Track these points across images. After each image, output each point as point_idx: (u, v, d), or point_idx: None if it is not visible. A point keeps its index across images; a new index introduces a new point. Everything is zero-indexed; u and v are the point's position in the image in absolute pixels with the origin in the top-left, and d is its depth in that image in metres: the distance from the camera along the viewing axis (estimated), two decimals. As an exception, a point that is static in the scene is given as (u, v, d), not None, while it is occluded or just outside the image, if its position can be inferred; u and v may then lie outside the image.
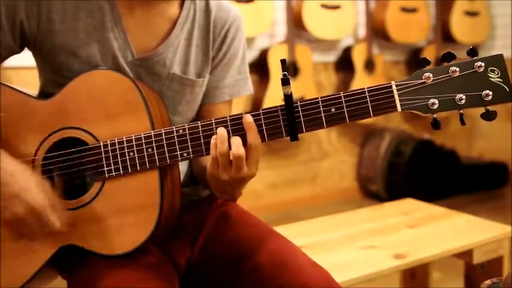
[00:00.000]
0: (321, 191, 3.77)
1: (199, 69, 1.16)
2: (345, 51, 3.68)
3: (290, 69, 3.32)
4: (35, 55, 1.11)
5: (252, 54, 3.35)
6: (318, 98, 0.96)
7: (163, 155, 1.00)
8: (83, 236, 1.02)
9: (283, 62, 0.95)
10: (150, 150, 1.00)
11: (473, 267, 1.78)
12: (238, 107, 2.93)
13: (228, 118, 0.98)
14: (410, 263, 1.55)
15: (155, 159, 1.00)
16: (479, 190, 3.80)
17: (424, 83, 0.94)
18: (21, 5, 1.03)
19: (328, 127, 0.97)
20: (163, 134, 1.00)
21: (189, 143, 1.00)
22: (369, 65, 3.61)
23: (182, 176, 1.15)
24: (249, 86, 1.23)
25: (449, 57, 0.93)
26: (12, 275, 1.03)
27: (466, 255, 1.69)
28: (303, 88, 3.38)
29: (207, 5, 1.16)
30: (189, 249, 1.17)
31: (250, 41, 3.30)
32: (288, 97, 0.96)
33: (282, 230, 1.18)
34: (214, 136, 0.97)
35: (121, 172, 1.01)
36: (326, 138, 3.78)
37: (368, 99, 0.95)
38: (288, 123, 0.97)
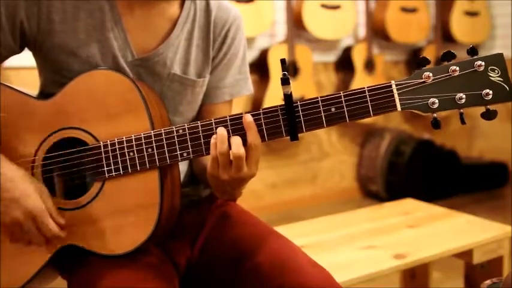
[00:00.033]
0: (321, 191, 3.77)
1: (200, 69, 1.16)
2: (345, 51, 3.68)
3: (290, 69, 3.32)
4: (35, 55, 1.11)
5: (252, 54, 3.35)
6: (317, 98, 0.96)
7: (163, 155, 1.00)
8: (83, 236, 1.02)
9: (282, 61, 0.95)
10: (150, 150, 1.00)
11: (473, 267, 1.78)
12: (238, 106, 2.93)
13: (228, 118, 0.98)
14: (410, 263, 1.55)
15: (155, 159, 1.00)
16: (479, 190, 3.80)
17: (424, 82, 0.94)
18: (21, 5, 1.03)
19: (328, 127, 0.97)
20: (163, 134, 1.00)
21: (189, 142, 1.00)
22: (369, 65, 3.61)
23: (182, 176, 1.15)
24: (249, 86, 1.23)
25: (449, 56, 0.93)
26: (13, 275, 1.03)
27: (466, 255, 1.69)
28: (303, 88, 3.38)
29: (207, 5, 1.16)
30: (189, 249, 1.17)
31: (250, 41, 3.30)
32: (287, 97, 0.96)
33: (282, 230, 1.18)
34: (214, 136, 0.97)
35: (121, 172, 1.01)
36: (326, 138, 3.78)
37: (368, 98, 0.95)
38: (288, 122, 0.97)
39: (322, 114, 0.96)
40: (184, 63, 1.14)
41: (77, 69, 1.05)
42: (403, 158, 3.60)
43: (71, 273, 1.06)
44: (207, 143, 0.98)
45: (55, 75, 1.09)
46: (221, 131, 0.96)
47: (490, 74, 0.92)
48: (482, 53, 0.93)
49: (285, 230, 1.21)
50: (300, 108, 0.97)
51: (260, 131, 0.97)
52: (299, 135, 0.97)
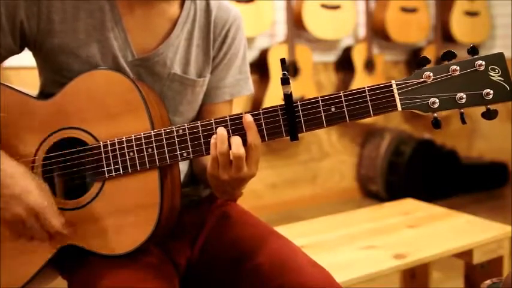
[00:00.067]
0: (321, 191, 3.77)
1: (200, 69, 1.16)
2: (345, 51, 3.68)
3: (290, 69, 3.32)
4: (35, 55, 1.11)
5: (252, 54, 3.35)
6: (318, 98, 0.96)
7: (163, 155, 1.00)
8: (83, 236, 1.02)
9: (282, 61, 0.95)
10: (150, 150, 1.00)
11: (473, 267, 1.78)
12: (238, 106, 2.93)
13: (228, 118, 0.98)
14: (410, 263, 1.55)
15: (155, 159, 1.00)
16: (479, 190, 3.80)
17: (424, 82, 0.94)
18: (21, 5, 1.03)
19: (328, 127, 0.97)
20: (163, 134, 1.00)
21: (189, 142, 1.00)
22: (369, 65, 3.61)
23: (182, 176, 1.15)
24: (249, 86, 1.23)
25: (449, 56, 0.93)
26: (13, 275, 1.03)
27: (466, 255, 1.69)
28: (303, 88, 3.38)
29: (208, 5, 1.16)
30: (189, 249, 1.17)
31: (250, 41, 3.30)
32: (287, 97, 0.96)
33: (282, 230, 1.18)
34: (214, 136, 0.97)
35: (121, 172, 1.01)
36: (326, 138, 3.78)
37: (368, 98, 0.95)
38: (288, 122, 0.96)
39: (322, 114, 0.96)
40: (185, 63, 1.14)
41: (77, 69, 1.05)
42: (403, 158, 3.60)
43: (71, 273, 1.06)
44: (207, 143, 0.98)
45: (55, 75, 1.09)
46: (221, 131, 0.96)
47: (491, 74, 0.92)
48: (482, 53, 0.92)
49: (285, 230, 1.21)
50: (300, 108, 0.96)
51: (260, 131, 0.97)
52: (299, 135, 0.97)
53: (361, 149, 3.88)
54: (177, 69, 1.12)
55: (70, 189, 1.05)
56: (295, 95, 2.81)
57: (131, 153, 1.01)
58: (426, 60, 0.94)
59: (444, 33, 3.90)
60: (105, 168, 1.01)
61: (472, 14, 3.97)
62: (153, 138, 1.00)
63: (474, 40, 3.96)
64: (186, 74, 1.14)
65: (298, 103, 0.97)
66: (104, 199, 1.02)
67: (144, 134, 1.01)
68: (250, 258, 1.07)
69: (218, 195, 1.07)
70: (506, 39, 4.09)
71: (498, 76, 0.92)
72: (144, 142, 1.01)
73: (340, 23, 3.50)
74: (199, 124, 0.99)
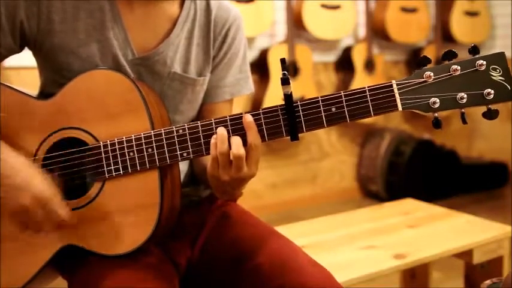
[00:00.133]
0: (321, 191, 3.77)
1: (200, 68, 1.16)
2: (345, 51, 3.68)
3: (290, 69, 3.32)
4: (35, 55, 1.11)
5: (252, 54, 3.35)
6: (318, 98, 0.96)
7: (163, 155, 1.00)
8: (83, 236, 1.02)
9: (282, 61, 0.95)
10: (150, 150, 1.00)
11: (473, 267, 1.78)
12: (238, 106, 2.93)
13: (228, 118, 0.98)
14: (410, 263, 1.55)
15: (155, 159, 1.00)
16: (479, 190, 3.80)
17: (425, 81, 0.94)
18: (21, 5, 1.03)
19: (328, 127, 0.97)
20: (163, 134, 1.00)
21: (189, 142, 1.00)
22: (369, 65, 3.61)
23: (182, 176, 1.15)
24: (250, 85, 1.23)
25: (450, 55, 0.93)
26: (13, 275, 1.03)
27: (466, 255, 1.69)
28: (303, 88, 3.38)
29: (208, 4, 1.16)
30: (189, 249, 1.17)
31: (250, 41, 3.30)
32: (288, 97, 0.95)
33: (282, 230, 1.18)
34: (214, 136, 0.97)
35: (121, 172, 1.01)
36: (326, 138, 3.78)
37: (368, 98, 0.95)
38: (288, 122, 0.96)
39: (323, 114, 0.96)
40: (185, 62, 1.14)
41: (77, 69, 1.05)
42: (403, 158, 3.60)
43: (71, 274, 1.06)
44: (207, 143, 0.98)
45: (55, 75, 1.09)
46: (221, 131, 0.96)
47: (492, 73, 0.92)
48: (482, 53, 0.92)
49: (285, 230, 1.21)
50: (300, 108, 0.96)
51: (260, 131, 0.97)
52: (299, 135, 0.97)
53: (361, 149, 3.88)
54: (177, 68, 1.13)
55: (70, 189, 1.05)
56: (295, 95, 2.81)
57: (131, 153, 1.01)
58: (427, 60, 0.94)
59: (444, 33, 3.90)
60: (105, 168, 1.01)
61: (472, 14, 3.97)
62: (153, 138, 1.00)
63: (474, 40, 3.96)
64: (186, 73, 1.14)
65: (299, 103, 0.97)
66: (104, 199, 1.02)
67: (144, 134, 1.01)
68: (251, 258, 1.07)
69: (218, 196, 1.07)
70: (506, 39, 4.09)
71: (499, 76, 0.91)
72: (144, 142, 1.01)
73: (340, 23, 3.50)
74: (199, 124, 0.99)
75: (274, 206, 3.51)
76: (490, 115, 0.93)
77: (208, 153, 0.97)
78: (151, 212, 1.00)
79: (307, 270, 1.03)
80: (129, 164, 1.01)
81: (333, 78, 3.74)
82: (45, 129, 1.04)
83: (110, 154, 1.01)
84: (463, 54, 0.94)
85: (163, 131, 1.00)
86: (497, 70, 0.92)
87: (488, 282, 1.14)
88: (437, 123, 0.94)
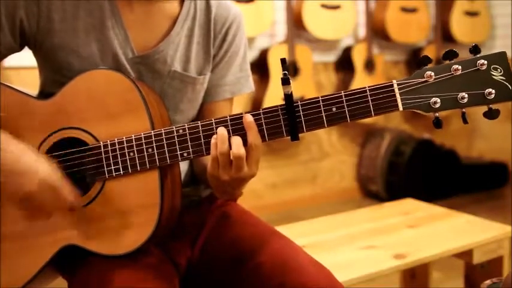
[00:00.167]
0: (321, 191, 3.77)
1: (200, 66, 1.16)
2: (345, 51, 3.68)
3: (290, 69, 3.32)
4: (35, 54, 1.11)
5: (252, 54, 3.35)
6: (318, 98, 0.96)
7: (164, 155, 1.00)
8: (84, 236, 1.02)
9: (283, 61, 0.95)
10: (150, 150, 1.00)
11: (473, 267, 1.78)
12: (238, 106, 2.93)
13: (228, 118, 0.98)
14: (410, 263, 1.54)
15: (155, 159, 1.00)
16: (479, 190, 3.80)
17: (425, 81, 0.93)
18: (21, 4, 1.03)
19: (329, 127, 0.97)
20: (163, 134, 1.00)
21: (189, 142, 1.00)
22: (369, 65, 3.61)
23: (183, 176, 1.15)
24: (250, 84, 1.23)
25: (451, 55, 0.92)
26: (13, 275, 1.02)
27: (466, 255, 1.69)
28: (303, 88, 3.38)
29: (208, 3, 1.16)
30: (190, 249, 1.17)
31: (250, 41, 3.30)
32: (288, 97, 0.95)
33: (282, 230, 1.18)
34: (214, 136, 0.96)
35: (121, 172, 1.01)
36: (326, 138, 3.78)
37: (369, 98, 0.95)
38: (289, 122, 0.96)
39: (323, 114, 0.96)
40: (185, 61, 1.14)
41: (77, 68, 1.05)
42: (403, 158, 3.60)
43: (72, 274, 1.06)
44: (208, 143, 0.98)
45: (55, 75, 1.09)
46: (221, 131, 0.96)
47: (493, 73, 0.92)
48: (483, 53, 0.92)
49: (285, 230, 1.21)
50: (300, 108, 0.96)
51: (260, 131, 0.97)
52: (299, 135, 0.97)
53: (361, 149, 3.88)
54: (177, 66, 1.12)
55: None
56: (295, 95, 2.81)
57: (131, 153, 1.01)
58: (428, 60, 0.93)
59: (444, 33, 3.90)
60: (105, 169, 1.01)
61: (472, 14, 3.97)
62: (153, 138, 1.00)
63: (474, 40, 3.96)
64: (186, 72, 1.14)
65: (299, 103, 0.96)
66: (104, 199, 1.02)
67: (144, 134, 1.01)
68: (251, 258, 1.07)
69: (218, 195, 1.07)
70: (506, 39, 4.09)
71: (500, 75, 0.91)
72: (144, 142, 1.00)
73: (340, 23, 3.50)
74: (199, 124, 0.99)
75: (274, 206, 3.51)
76: (491, 115, 0.92)
77: (209, 153, 0.97)
78: (152, 212, 1.00)
79: (308, 270, 1.03)
80: (129, 164, 1.01)
81: (333, 78, 3.74)
82: (45, 129, 1.04)
83: (110, 154, 1.01)
84: (463, 54, 0.93)
85: (163, 131, 1.00)
86: (499, 70, 0.91)
87: (488, 282, 1.14)
88: (438, 123, 0.94)
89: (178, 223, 1.10)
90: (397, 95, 0.94)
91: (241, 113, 0.98)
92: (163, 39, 1.11)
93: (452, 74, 0.93)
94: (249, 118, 0.96)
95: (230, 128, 0.97)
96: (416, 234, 1.73)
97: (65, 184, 0.97)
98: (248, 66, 1.24)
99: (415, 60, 3.84)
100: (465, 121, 0.93)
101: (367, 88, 0.95)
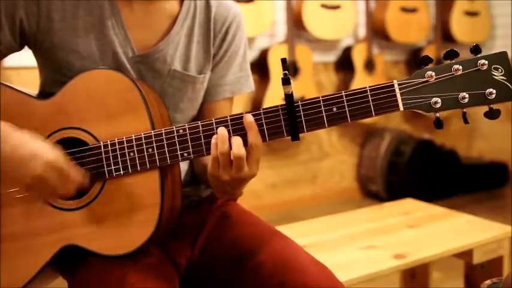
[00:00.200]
0: (321, 191, 3.77)
1: (200, 65, 1.16)
2: (345, 51, 3.68)
3: (290, 69, 3.32)
4: (35, 54, 1.11)
5: (252, 54, 3.35)
6: (319, 98, 0.96)
7: (164, 155, 1.00)
8: (84, 236, 1.02)
9: (283, 61, 0.95)
10: (150, 150, 1.00)
11: (473, 267, 1.78)
12: (238, 106, 2.93)
13: (229, 118, 0.98)
14: (410, 263, 1.55)
15: (155, 159, 1.00)
16: (479, 190, 3.79)
17: (426, 81, 0.93)
18: (21, 4, 1.03)
19: (329, 127, 0.97)
20: (163, 134, 1.00)
21: (190, 143, 0.99)
22: (369, 65, 3.61)
23: (183, 175, 1.15)
24: (250, 83, 1.23)
25: (452, 55, 0.92)
26: (13, 275, 1.02)
27: (466, 255, 1.69)
28: (303, 88, 3.38)
29: (207, 2, 1.16)
30: (190, 249, 1.17)
31: (250, 41, 3.30)
32: (288, 97, 0.95)
33: (282, 230, 1.18)
34: (215, 136, 0.96)
35: (121, 172, 1.01)
36: (326, 138, 3.78)
37: (370, 98, 0.94)
38: (289, 122, 0.96)
39: (324, 114, 0.96)
40: (185, 60, 1.14)
41: (77, 68, 1.05)
42: (403, 158, 3.60)
43: (72, 274, 1.06)
44: (208, 143, 0.98)
45: (55, 74, 1.09)
46: (222, 131, 0.96)
47: (494, 73, 0.91)
48: (482, 53, 0.92)
49: (285, 230, 1.21)
50: (301, 108, 0.96)
51: (261, 131, 0.97)
52: (300, 135, 0.97)
53: (361, 149, 3.88)
54: (177, 65, 1.12)
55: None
56: (295, 95, 2.81)
57: (131, 153, 1.01)
58: (428, 60, 0.93)
59: (444, 33, 3.90)
60: (106, 169, 1.01)
61: (472, 14, 3.97)
62: (153, 138, 1.00)
63: (474, 40, 3.96)
64: (186, 71, 1.14)
65: (299, 103, 0.96)
66: (105, 199, 1.01)
67: (144, 134, 1.00)
68: (251, 257, 1.07)
69: (218, 195, 1.07)
70: (506, 39, 4.08)
71: (501, 75, 0.91)
72: (145, 142, 1.00)
73: (340, 23, 3.50)
74: (199, 124, 0.99)
75: (274, 206, 3.51)
76: (492, 115, 0.92)
77: (209, 153, 0.97)
78: (152, 213, 1.00)
79: (309, 269, 1.03)
80: (130, 164, 1.01)
81: (333, 78, 3.74)
82: (45, 129, 1.04)
83: (110, 154, 1.01)
84: (463, 54, 0.93)
85: (163, 131, 1.00)
86: (499, 70, 0.91)
87: (488, 282, 1.14)
88: (438, 124, 0.94)
89: (178, 223, 1.10)
90: (398, 95, 0.94)
91: (242, 113, 0.98)
92: (163, 39, 1.11)
93: (453, 74, 0.93)
94: (249, 118, 0.96)
95: (230, 128, 0.97)
96: (416, 234, 1.73)
97: (71, 165, 0.97)
98: (248, 66, 1.23)
99: (415, 60, 3.84)
100: (466, 121, 0.93)
101: (367, 88, 0.95)
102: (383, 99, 0.94)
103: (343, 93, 0.95)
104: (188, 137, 0.99)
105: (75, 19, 1.06)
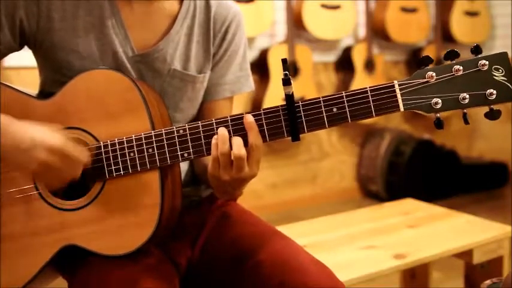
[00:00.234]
0: (321, 191, 3.77)
1: (200, 65, 1.16)
2: (345, 51, 3.68)
3: (290, 69, 3.32)
4: (35, 53, 1.11)
5: (252, 54, 3.35)
6: (319, 98, 0.96)
7: (164, 155, 1.00)
8: (84, 236, 1.01)
9: (284, 61, 0.95)
10: (150, 150, 1.00)
11: (473, 267, 1.78)
12: (238, 106, 2.93)
13: (229, 118, 0.98)
14: (410, 263, 1.55)
15: (156, 159, 1.00)
16: (479, 190, 3.79)
17: (427, 82, 0.93)
18: (21, 4, 1.03)
19: (330, 127, 0.97)
20: (163, 134, 1.00)
21: (190, 143, 0.99)
22: (369, 65, 3.61)
23: (183, 175, 1.15)
24: (250, 83, 1.23)
25: (452, 55, 0.92)
26: (13, 275, 1.02)
27: (466, 255, 1.69)
28: (303, 88, 3.38)
29: (207, 1, 1.16)
30: (190, 249, 1.17)
31: (250, 41, 3.29)
32: (289, 97, 0.95)
33: (282, 230, 1.18)
34: (215, 136, 0.96)
35: (121, 172, 1.01)
36: (326, 138, 3.78)
37: (370, 98, 0.94)
38: (289, 123, 0.96)
39: (324, 114, 0.96)
40: (185, 59, 1.14)
41: (77, 67, 1.05)
42: (403, 158, 3.60)
43: (72, 274, 1.06)
44: (208, 144, 0.98)
45: (55, 74, 1.09)
46: (222, 131, 0.96)
47: (494, 74, 0.91)
48: (483, 53, 0.92)
49: (285, 230, 1.21)
50: (301, 108, 0.96)
51: (261, 132, 0.97)
52: (300, 135, 0.97)
53: (361, 149, 3.88)
54: (177, 65, 1.12)
55: (70, 189, 1.04)
56: (295, 95, 2.81)
57: (131, 154, 1.01)
58: (429, 60, 0.93)
59: (444, 33, 3.90)
60: (106, 169, 1.01)
61: (472, 14, 3.96)
62: (153, 139, 1.00)
63: (474, 40, 3.96)
64: (186, 70, 1.14)
65: (300, 103, 0.96)
66: (105, 199, 1.01)
67: (144, 134, 1.00)
68: (251, 256, 1.07)
69: (219, 195, 1.07)
70: (506, 39, 4.09)
71: (502, 76, 0.91)
72: (145, 142, 1.00)
73: (340, 23, 3.50)
74: (200, 124, 0.99)
75: (274, 206, 3.51)
76: (493, 115, 0.92)
77: (209, 154, 0.97)
78: (152, 213, 1.00)
79: (309, 269, 1.03)
80: (130, 165, 1.01)
81: (333, 78, 3.74)
82: (45, 129, 1.04)
83: (110, 154, 1.01)
84: (463, 54, 0.93)
85: (163, 131, 1.00)
86: (500, 70, 0.91)
87: (488, 282, 1.14)
88: (439, 124, 0.94)
89: (178, 223, 1.10)
90: (398, 96, 0.94)
91: (242, 113, 0.98)
92: (163, 38, 1.11)
93: (454, 74, 0.92)
94: (249, 118, 0.96)
95: (231, 128, 0.97)
96: (416, 234, 1.73)
97: (73, 146, 0.97)
98: (248, 65, 1.23)
99: (415, 60, 3.84)
100: (466, 122, 0.93)
101: (368, 88, 0.95)
102: (383, 100, 0.94)
103: (344, 94, 0.95)
104: (188, 137, 0.99)
105: (75, 19, 1.06)
